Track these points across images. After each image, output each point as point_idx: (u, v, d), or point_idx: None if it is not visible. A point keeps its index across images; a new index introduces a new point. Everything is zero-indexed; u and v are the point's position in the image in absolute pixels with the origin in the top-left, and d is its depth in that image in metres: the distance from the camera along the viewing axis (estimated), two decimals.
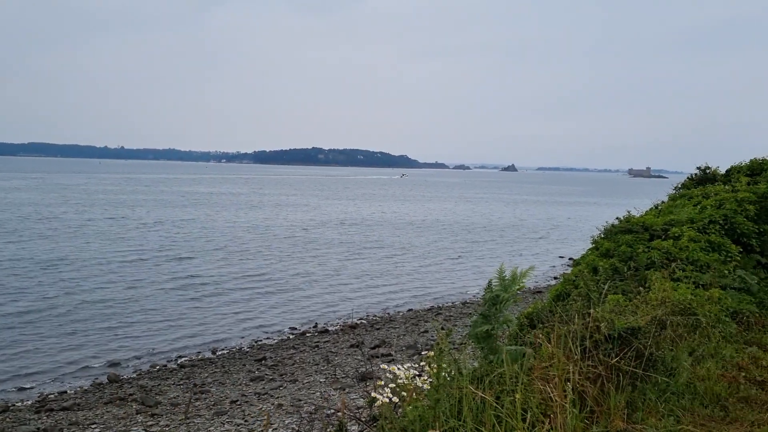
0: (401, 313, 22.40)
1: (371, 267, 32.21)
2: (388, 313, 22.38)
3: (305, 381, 14.81)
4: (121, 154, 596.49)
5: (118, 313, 21.18)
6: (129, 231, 43.42)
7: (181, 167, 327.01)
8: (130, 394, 14.20)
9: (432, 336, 17.92)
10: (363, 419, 4.93)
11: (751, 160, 12.52)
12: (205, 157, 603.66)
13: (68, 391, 14.69)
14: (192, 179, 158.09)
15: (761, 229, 9.64)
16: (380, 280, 28.85)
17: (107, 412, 13.07)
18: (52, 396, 14.41)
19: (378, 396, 4.30)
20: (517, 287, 4.68)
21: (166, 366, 16.60)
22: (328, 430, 4.59)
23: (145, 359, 17.11)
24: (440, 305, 23.72)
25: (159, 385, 14.95)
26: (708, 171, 12.94)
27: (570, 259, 34.56)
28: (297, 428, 11.24)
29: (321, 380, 14.80)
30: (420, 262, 34.36)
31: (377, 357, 16.10)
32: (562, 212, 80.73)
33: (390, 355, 16.30)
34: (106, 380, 15.37)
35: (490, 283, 4.80)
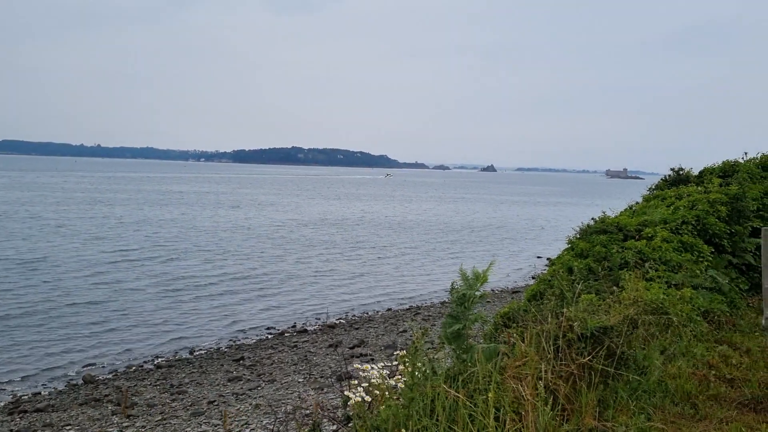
0: (380, 313, 22.44)
1: (351, 267, 32.21)
2: (367, 313, 22.41)
3: (283, 381, 14.77)
4: (98, 152, 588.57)
5: (94, 313, 20.94)
6: (109, 231, 42.91)
7: (160, 166, 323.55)
8: (106, 395, 14.05)
9: (411, 336, 17.95)
10: (337, 419, 4.94)
11: (723, 162, 12.75)
12: (184, 156, 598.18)
13: (42, 393, 14.49)
14: (171, 178, 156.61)
15: (732, 230, 9.81)
16: (360, 280, 28.85)
17: (82, 413, 12.92)
18: (26, 397, 14.20)
19: (351, 395, 4.32)
20: (481, 284, 4.72)
21: (142, 366, 16.45)
22: (303, 430, 4.58)
23: (121, 360, 16.93)
24: (419, 305, 23.80)
25: (135, 385, 14.81)
26: (681, 172, 13.15)
27: (548, 259, 34.86)
28: (272, 428, 11.22)
29: (299, 380, 14.78)
30: (399, 262, 34.43)
31: (356, 357, 16.11)
32: (542, 212, 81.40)
33: (369, 354, 16.32)
34: (82, 381, 15.18)
35: (453, 285, 4.83)
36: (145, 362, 16.80)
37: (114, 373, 15.91)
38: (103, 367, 16.36)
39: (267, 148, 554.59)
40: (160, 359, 17.02)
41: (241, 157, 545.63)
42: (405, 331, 18.95)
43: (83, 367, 16.23)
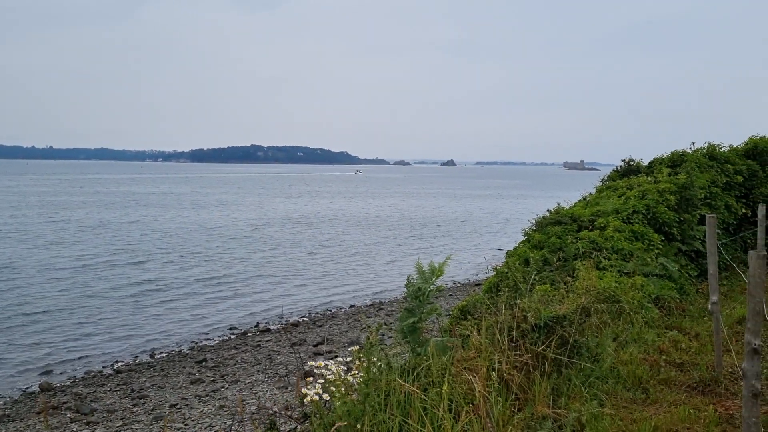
0: (343, 310, 22.43)
1: (315, 265, 32.10)
2: (330, 311, 22.37)
3: (247, 381, 14.67)
4: (50, 154, 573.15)
5: (52, 320, 20.41)
6: (67, 235, 41.79)
7: (116, 167, 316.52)
8: (64, 402, 13.74)
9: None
10: (295, 417, 4.95)
11: (672, 152, 13.11)
12: (140, 156, 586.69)
13: None
14: (129, 179, 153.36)
15: (681, 218, 10.12)
16: (324, 278, 28.79)
17: (40, 422, 12.60)
18: None
19: (307, 392, 4.33)
20: (436, 278, 4.78)
21: (101, 372, 16.12)
22: (259, 429, 4.58)
23: (79, 366, 16.56)
24: (382, 301, 23.86)
25: (95, 391, 14.51)
26: (632, 163, 13.48)
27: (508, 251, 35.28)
28: (229, 428, 11.15)
29: (263, 380, 14.69)
30: (364, 259, 34.45)
31: (320, 354, 16.09)
32: (505, 206, 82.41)
33: (333, 351, 16.32)
34: (38, 389, 14.80)
35: (409, 278, 4.89)
36: (104, 367, 16.47)
37: (72, 380, 15.55)
38: (61, 374, 15.98)
39: (226, 146, 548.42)
40: (119, 364, 16.71)
41: (199, 156, 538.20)
42: (381, 325, 18.98)
43: (39, 375, 15.82)
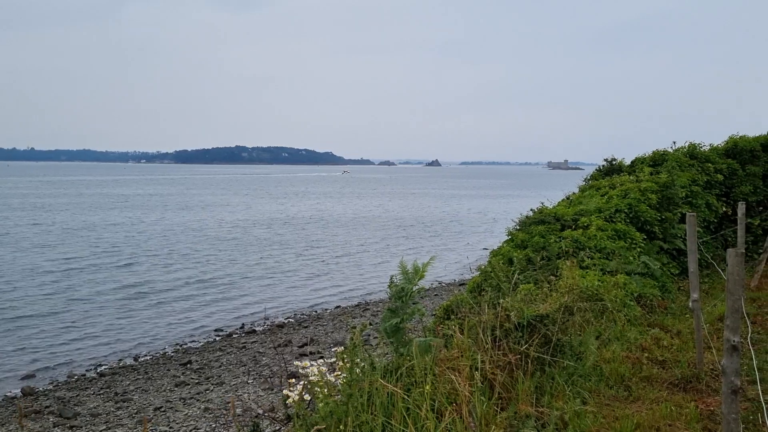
0: (329, 311, 22.38)
1: (300, 266, 32.01)
2: (316, 311, 22.32)
3: (232, 383, 14.58)
4: (32, 155, 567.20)
5: (35, 323, 20.17)
6: (51, 237, 41.30)
7: (99, 168, 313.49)
8: (47, 407, 13.57)
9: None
10: (278, 418, 4.93)
11: (653, 152, 13.24)
12: (123, 157, 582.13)
13: None
14: (114, 180, 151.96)
15: (663, 217, 10.22)
16: (308, 278, 28.71)
17: (22, 426, 12.46)
18: None
19: (289, 393, 4.31)
20: (419, 278, 4.79)
21: (84, 375, 15.95)
22: (243, 431, 4.56)
23: (62, 370, 16.37)
24: (368, 301, 23.84)
25: (78, 395, 14.36)
26: (614, 162, 13.60)
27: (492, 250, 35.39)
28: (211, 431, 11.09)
29: (249, 381, 14.62)
30: (350, 259, 34.40)
31: (306, 355, 16.05)
32: (492, 205, 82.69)
33: (319, 352, 16.28)
34: (20, 393, 14.61)
35: (392, 279, 4.89)
36: (87, 371, 16.30)
37: (55, 384, 15.37)
38: (44, 378, 15.80)
39: (210, 147, 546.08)
40: (103, 367, 16.55)
41: (183, 157, 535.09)
42: (355, 327, 18.95)
43: (21, 379, 15.62)
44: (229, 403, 13.18)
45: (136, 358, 17.22)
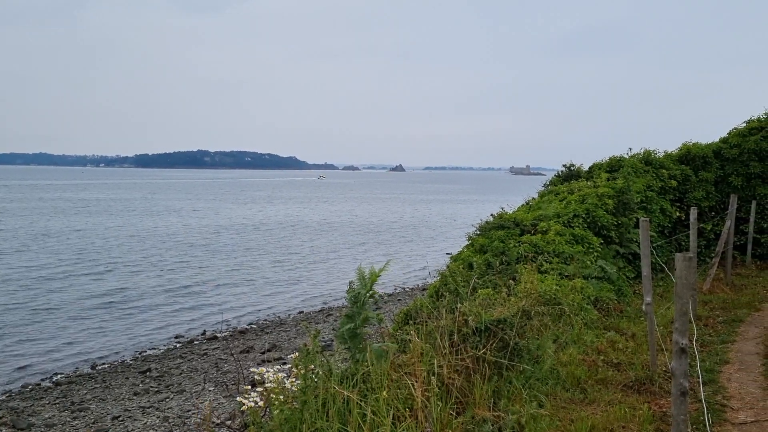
0: (292, 316, 22.22)
1: (264, 272, 31.71)
2: (279, 317, 22.13)
3: (193, 391, 14.34)
4: None
5: None
6: (10, 245, 39.96)
7: (56, 172, 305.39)
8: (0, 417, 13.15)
9: (323, 337, 17.89)
10: (235, 426, 4.86)
11: (610, 158, 13.52)
12: (81, 161, 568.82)
13: None
14: (74, 185, 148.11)
15: (619, 222, 10.43)
16: (272, 284, 28.46)
17: None
18: None
19: (243, 401, 4.26)
20: (372, 283, 4.79)
21: (39, 385, 15.50)
22: None
23: (16, 379, 15.88)
24: (331, 306, 23.74)
25: (32, 405, 13.93)
26: (573, 168, 13.84)
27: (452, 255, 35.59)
28: None
29: (210, 389, 14.40)
30: (313, 265, 34.22)
31: (268, 361, 15.88)
32: (459, 210, 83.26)
33: (282, 358, 16.13)
34: None
35: (350, 284, 4.89)
36: (42, 380, 15.84)
37: (8, 394, 14.90)
38: None
39: (172, 151, 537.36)
40: (59, 376, 16.10)
41: (144, 161, 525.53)
42: (319, 332, 18.84)
43: None
44: (189, 411, 12.97)
45: (93, 367, 16.80)
